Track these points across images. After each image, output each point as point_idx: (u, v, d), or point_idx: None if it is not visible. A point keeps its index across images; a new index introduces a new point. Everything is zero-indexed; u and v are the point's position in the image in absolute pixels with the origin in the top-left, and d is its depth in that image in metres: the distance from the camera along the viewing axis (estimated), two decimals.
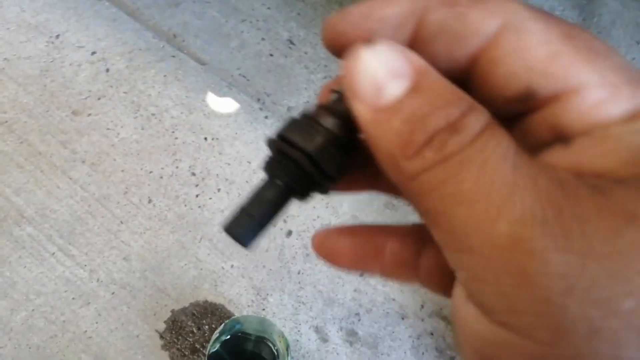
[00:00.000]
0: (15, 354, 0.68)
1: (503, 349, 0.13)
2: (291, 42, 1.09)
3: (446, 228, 0.14)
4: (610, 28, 1.37)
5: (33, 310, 0.71)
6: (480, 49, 0.16)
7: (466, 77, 0.17)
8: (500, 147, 0.14)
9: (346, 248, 0.22)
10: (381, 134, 0.15)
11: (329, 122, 0.20)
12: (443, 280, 0.20)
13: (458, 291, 0.15)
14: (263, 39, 1.08)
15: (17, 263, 0.74)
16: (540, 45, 0.15)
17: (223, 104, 0.96)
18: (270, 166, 0.20)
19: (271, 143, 0.21)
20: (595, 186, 0.13)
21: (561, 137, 0.15)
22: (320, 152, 0.19)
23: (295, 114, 0.21)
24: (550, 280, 0.12)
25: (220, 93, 0.98)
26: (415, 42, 0.17)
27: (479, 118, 0.14)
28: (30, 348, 0.69)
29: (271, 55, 1.06)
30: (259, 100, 0.99)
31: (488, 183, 0.13)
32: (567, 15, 1.26)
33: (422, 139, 0.14)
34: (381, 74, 0.15)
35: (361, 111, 0.15)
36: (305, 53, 1.08)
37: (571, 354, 0.12)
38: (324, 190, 0.21)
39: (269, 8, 1.13)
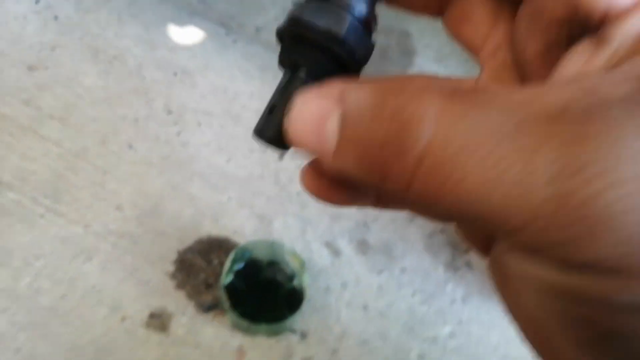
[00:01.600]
0: (29, 318, 0.66)
1: (589, 295, 0.12)
2: None
3: (481, 223, 0.13)
4: None
5: (36, 273, 0.69)
6: None
7: None
8: (480, 108, 0.13)
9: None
10: (355, 172, 0.14)
11: (352, 2, 0.18)
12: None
13: (509, 262, 0.14)
14: None
15: (8, 230, 0.71)
16: None
17: (187, 35, 0.91)
18: (292, 56, 0.19)
19: (290, 30, 0.19)
20: (620, 98, 0.12)
21: (584, 24, 0.15)
22: (349, 36, 0.18)
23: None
24: (627, 217, 0.11)
25: (181, 24, 0.92)
26: None
27: (427, 91, 0.13)
28: (43, 310, 0.67)
29: None
30: (223, 24, 0.93)
31: (497, 156, 0.12)
32: None
33: (377, 154, 0.14)
34: (313, 126, 0.15)
35: (334, 168, 0.15)
36: None
37: None
38: (354, 74, 0.19)
39: None
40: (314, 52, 0.18)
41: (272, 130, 0.18)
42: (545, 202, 0.11)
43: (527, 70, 0.17)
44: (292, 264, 0.71)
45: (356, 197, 0.19)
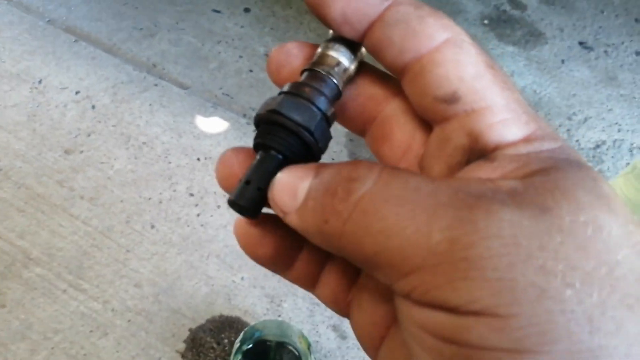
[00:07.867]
0: None
1: (472, 335, 0.15)
2: (268, 56, 1.11)
3: (388, 263, 0.16)
4: (575, 0, 1.40)
5: (53, 348, 0.71)
6: (427, 50, 0.19)
7: (401, 74, 0.20)
8: (405, 181, 0.17)
9: (270, 242, 0.22)
10: (306, 223, 0.18)
11: (319, 100, 0.22)
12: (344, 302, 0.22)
13: (406, 312, 0.17)
14: (241, 56, 1.10)
15: (31, 304, 0.74)
16: (471, 65, 0.19)
17: (211, 124, 0.98)
18: (267, 140, 0.22)
19: (270, 119, 0.22)
20: (508, 190, 0.16)
21: (480, 152, 0.19)
22: (317, 129, 0.22)
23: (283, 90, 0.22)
24: (493, 261, 0.15)
25: (206, 114, 0.99)
26: (375, 25, 0.20)
27: (371, 167, 0.17)
28: None
29: (251, 71, 1.09)
30: (245, 115, 1.01)
31: (409, 210, 0.16)
32: None
33: (328, 200, 0.17)
34: (291, 184, 0.19)
35: (292, 221, 0.18)
36: None
37: (528, 315, 0.14)
38: (317, 160, 0.23)
39: (242, 27, 1.16)
40: (288, 138, 0.22)
41: (247, 200, 0.21)
42: (440, 243, 0.15)
43: None
44: (300, 345, 0.72)
45: (278, 256, 0.22)
